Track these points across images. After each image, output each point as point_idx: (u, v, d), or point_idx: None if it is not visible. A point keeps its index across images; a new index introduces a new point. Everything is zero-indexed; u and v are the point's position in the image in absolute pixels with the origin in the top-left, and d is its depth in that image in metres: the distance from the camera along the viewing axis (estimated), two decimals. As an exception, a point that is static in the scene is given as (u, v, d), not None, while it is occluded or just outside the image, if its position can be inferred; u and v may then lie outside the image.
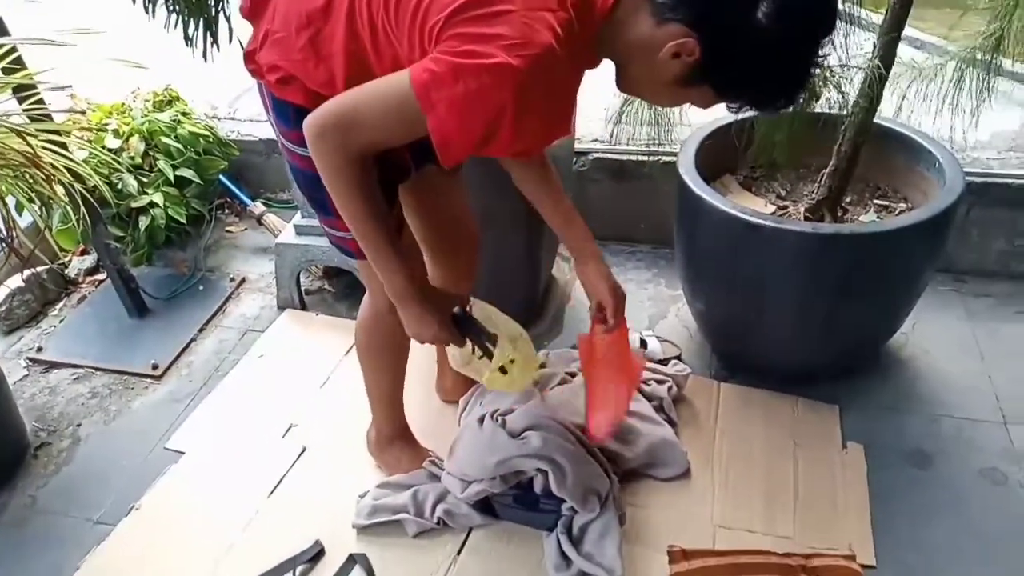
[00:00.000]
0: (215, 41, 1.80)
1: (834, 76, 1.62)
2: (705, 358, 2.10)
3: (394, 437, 1.77)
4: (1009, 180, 2.17)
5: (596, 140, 2.45)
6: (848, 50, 1.61)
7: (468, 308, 1.39)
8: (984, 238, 2.26)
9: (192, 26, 1.74)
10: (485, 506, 1.66)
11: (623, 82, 1.18)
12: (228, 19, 1.80)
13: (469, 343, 1.37)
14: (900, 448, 1.80)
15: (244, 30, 1.68)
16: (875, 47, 1.62)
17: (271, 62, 1.23)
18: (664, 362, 2.03)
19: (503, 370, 1.37)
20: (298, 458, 1.85)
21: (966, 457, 1.77)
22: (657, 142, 1.91)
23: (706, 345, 2.12)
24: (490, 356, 1.36)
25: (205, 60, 1.81)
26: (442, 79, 1.00)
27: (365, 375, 1.68)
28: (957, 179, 1.68)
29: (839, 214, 1.84)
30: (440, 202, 1.57)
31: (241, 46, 1.85)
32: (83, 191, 1.83)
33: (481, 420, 1.66)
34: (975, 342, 2.08)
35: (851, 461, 1.76)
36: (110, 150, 2.35)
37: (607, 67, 1.18)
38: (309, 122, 1.10)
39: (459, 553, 1.61)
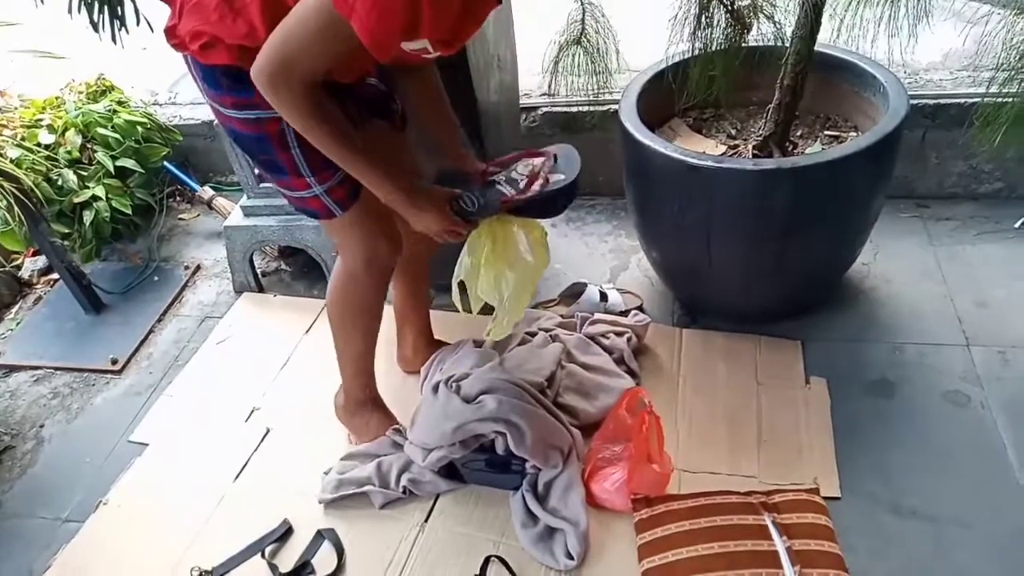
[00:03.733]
0: (123, 25, 1.74)
1: (765, 7, 1.57)
2: (667, 306, 2.08)
3: (364, 401, 1.76)
4: (962, 100, 2.13)
5: (545, 95, 2.39)
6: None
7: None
8: (943, 161, 2.24)
9: (96, 10, 1.67)
10: (450, 471, 1.65)
11: None
12: (134, 1, 1.73)
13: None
14: (864, 379, 1.79)
15: (154, 11, 1.64)
16: (808, -28, 1.57)
17: (190, 29, 1.22)
18: (625, 313, 2.01)
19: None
20: (262, 440, 1.84)
21: (929, 383, 1.77)
22: (596, 91, 1.86)
23: (667, 293, 2.11)
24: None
25: (114, 43, 1.75)
26: None
27: (336, 339, 1.66)
28: (901, 102, 1.65)
29: (788, 148, 1.81)
30: (390, 162, 1.55)
31: (151, 28, 1.81)
32: (16, 191, 1.78)
33: (436, 388, 1.64)
34: (937, 267, 2.07)
35: (814, 396, 1.76)
36: (46, 146, 2.28)
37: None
38: (254, 76, 1.14)
39: (426, 520, 1.61)
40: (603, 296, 2.05)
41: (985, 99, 1.98)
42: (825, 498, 1.53)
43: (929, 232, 2.18)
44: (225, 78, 1.24)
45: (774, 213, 1.62)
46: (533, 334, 1.94)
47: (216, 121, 1.43)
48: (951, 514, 1.50)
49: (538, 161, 1.46)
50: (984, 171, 2.22)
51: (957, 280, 2.02)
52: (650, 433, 1.55)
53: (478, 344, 1.87)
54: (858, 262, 1.98)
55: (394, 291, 1.79)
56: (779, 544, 1.37)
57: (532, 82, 2.36)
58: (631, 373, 1.84)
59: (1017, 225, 2.16)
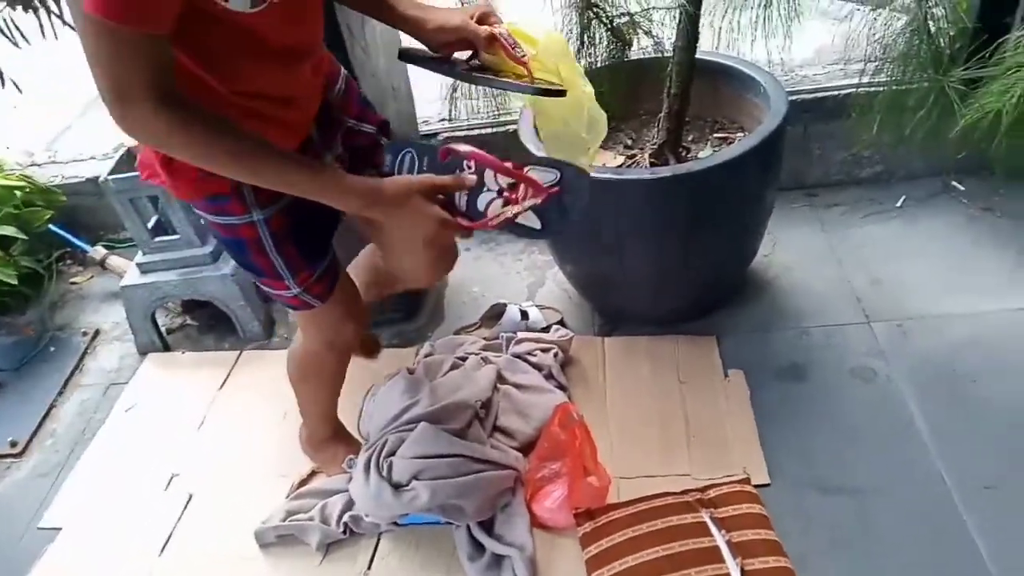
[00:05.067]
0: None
1: (643, 23, 1.63)
2: (587, 317, 2.11)
3: (328, 437, 1.73)
4: (836, 92, 2.27)
5: (444, 119, 2.39)
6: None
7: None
8: (825, 151, 2.37)
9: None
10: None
11: None
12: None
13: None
14: (776, 365, 1.87)
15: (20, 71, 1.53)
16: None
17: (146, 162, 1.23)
18: (547, 329, 2.03)
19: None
20: (185, 507, 1.75)
21: (837, 362, 1.86)
22: (496, 113, 1.88)
23: (585, 304, 2.14)
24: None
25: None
26: None
27: (300, 397, 1.64)
28: (780, 101, 1.74)
29: (682, 154, 1.88)
30: None
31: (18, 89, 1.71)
32: None
33: (367, 467, 1.57)
34: (831, 251, 2.19)
35: (734, 388, 1.82)
36: (-87, 221, 2.12)
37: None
38: (116, 122, 0.95)
39: (369, 567, 1.57)
40: (524, 314, 2.06)
41: (857, 90, 2.12)
42: (756, 486, 1.58)
43: (821, 219, 2.31)
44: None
45: (675, 217, 1.67)
46: (464, 359, 1.93)
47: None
48: (872, 485, 1.57)
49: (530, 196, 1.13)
50: (864, 157, 2.37)
51: (851, 261, 2.14)
52: (584, 446, 1.56)
53: (411, 371, 1.85)
54: (759, 255, 2.07)
55: None
56: (719, 539, 1.40)
57: (431, 109, 2.36)
58: (561, 387, 1.85)
59: (899, 204, 2.31)
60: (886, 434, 1.67)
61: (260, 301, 2.16)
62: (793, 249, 2.20)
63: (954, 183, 2.35)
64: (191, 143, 0.98)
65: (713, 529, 1.42)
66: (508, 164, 1.12)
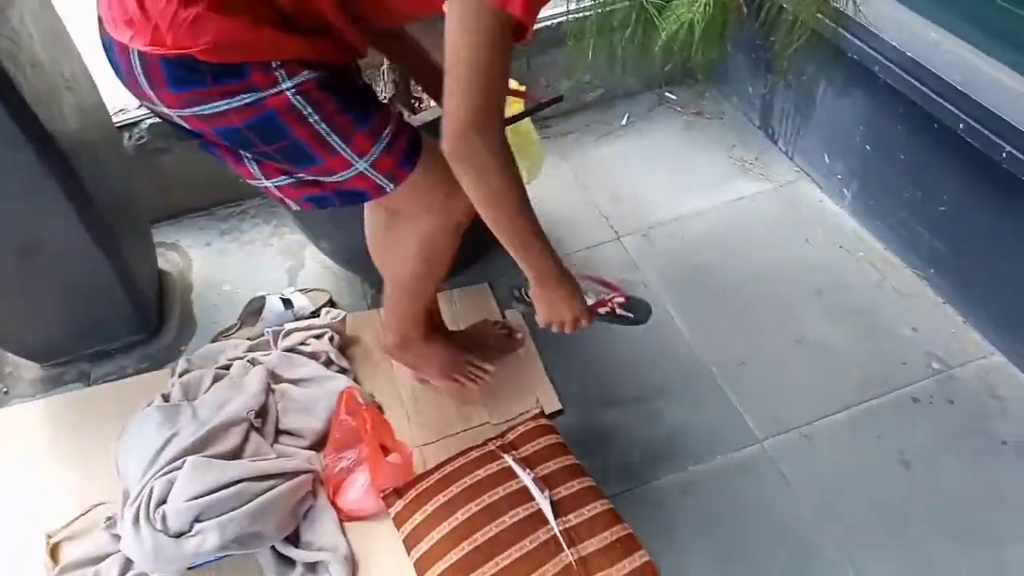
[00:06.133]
0: None
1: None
2: (357, 290, 2.01)
3: (421, 336, 1.58)
4: (550, 21, 2.33)
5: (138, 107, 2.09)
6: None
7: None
8: (551, 81, 2.44)
9: None
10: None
11: None
12: None
13: None
14: (548, 297, 1.92)
15: None
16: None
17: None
18: (317, 313, 1.90)
19: None
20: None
21: (599, 280, 1.96)
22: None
23: (352, 277, 2.03)
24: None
25: None
26: None
27: (399, 292, 1.50)
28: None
29: (415, 104, 1.81)
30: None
31: None
32: None
33: (136, 520, 1.36)
34: (575, 177, 2.28)
35: (514, 327, 1.84)
36: None
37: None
38: (451, 157, 0.98)
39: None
40: (287, 303, 1.91)
41: (568, 17, 2.19)
42: (550, 415, 1.63)
43: (560, 148, 2.39)
44: (210, 73, 1.00)
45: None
46: (228, 367, 1.74)
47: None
48: (651, 388, 1.69)
49: (615, 298, 1.45)
50: (586, 82, 2.48)
51: (593, 184, 2.25)
52: (377, 427, 1.50)
53: (166, 397, 1.64)
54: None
55: None
56: (525, 478, 1.42)
57: (124, 98, 2.04)
58: (344, 371, 1.75)
59: (624, 123, 2.47)
60: (654, 338, 1.80)
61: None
62: (542, 181, 2.24)
63: (667, 94, 2.55)
64: (513, 185, 1.03)
65: (518, 470, 1.44)
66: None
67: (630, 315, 1.46)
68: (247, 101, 1.03)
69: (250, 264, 2.10)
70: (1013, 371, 1.65)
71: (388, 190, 1.17)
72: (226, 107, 1.04)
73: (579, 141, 2.41)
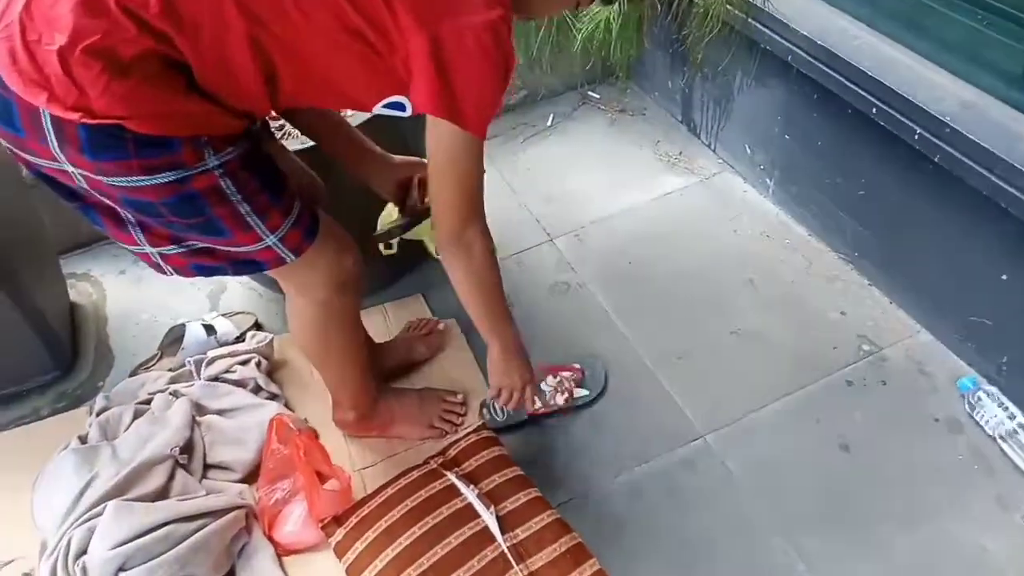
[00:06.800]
0: None
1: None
2: (283, 312, 1.91)
3: (376, 397, 1.55)
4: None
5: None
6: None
7: None
8: (474, 85, 2.40)
9: None
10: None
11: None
12: None
13: None
14: (483, 304, 1.89)
15: None
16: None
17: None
18: (242, 338, 1.81)
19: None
20: None
21: (536, 284, 1.94)
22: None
23: (279, 297, 1.95)
24: None
25: None
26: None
27: (327, 371, 1.49)
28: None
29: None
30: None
31: None
32: None
33: (54, 572, 1.27)
34: (504, 181, 2.25)
35: (449, 336, 1.80)
36: None
37: None
38: (446, 252, 1.16)
39: None
40: (210, 329, 1.82)
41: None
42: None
43: (487, 152, 2.31)
44: (133, 143, 0.95)
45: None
46: (148, 401, 1.64)
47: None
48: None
49: (567, 375, 1.63)
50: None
51: (523, 187, 2.23)
52: (311, 453, 1.43)
53: (83, 439, 1.53)
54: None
55: None
56: (469, 495, 1.38)
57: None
58: (274, 397, 1.68)
59: (549, 123, 2.45)
60: (591, 336, 1.79)
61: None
62: (470, 187, 2.23)
63: (590, 93, 2.55)
64: (492, 268, 1.20)
65: (462, 487, 1.40)
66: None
67: (586, 392, 1.62)
68: (170, 179, 0.99)
69: (168, 290, 1.99)
70: (940, 347, 1.69)
71: (288, 261, 1.17)
72: (145, 183, 0.99)
73: (505, 144, 2.38)
